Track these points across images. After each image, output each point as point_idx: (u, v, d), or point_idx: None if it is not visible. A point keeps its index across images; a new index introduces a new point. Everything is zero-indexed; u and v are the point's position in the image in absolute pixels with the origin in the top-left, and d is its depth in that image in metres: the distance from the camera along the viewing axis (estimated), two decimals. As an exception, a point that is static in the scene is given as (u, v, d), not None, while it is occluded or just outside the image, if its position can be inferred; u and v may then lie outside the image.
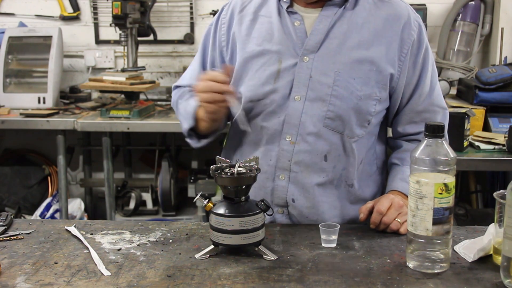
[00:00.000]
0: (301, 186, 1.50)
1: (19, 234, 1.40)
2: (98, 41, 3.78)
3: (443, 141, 1.17)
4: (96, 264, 1.22)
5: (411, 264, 1.20)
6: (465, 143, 2.56)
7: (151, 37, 3.46)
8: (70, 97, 3.53)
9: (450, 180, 1.15)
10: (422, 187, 1.15)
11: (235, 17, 1.58)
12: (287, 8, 1.52)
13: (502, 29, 3.37)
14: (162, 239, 1.37)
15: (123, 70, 3.33)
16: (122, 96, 3.40)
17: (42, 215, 3.45)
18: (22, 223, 1.48)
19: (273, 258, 1.24)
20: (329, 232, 1.32)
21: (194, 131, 1.57)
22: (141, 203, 3.58)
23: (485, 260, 1.23)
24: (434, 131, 1.16)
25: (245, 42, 1.54)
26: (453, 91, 3.17)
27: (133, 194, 3.54)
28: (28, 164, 3.83)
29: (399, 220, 1.38)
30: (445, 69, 3.51)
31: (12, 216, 1.49)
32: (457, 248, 1.29)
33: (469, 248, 1.27)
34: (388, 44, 1.48)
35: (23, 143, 3.87)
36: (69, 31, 3.70)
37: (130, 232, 1.42)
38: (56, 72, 3.37)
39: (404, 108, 1.55)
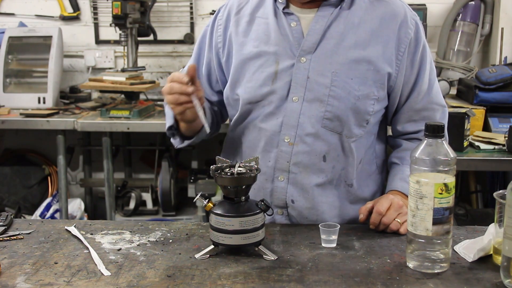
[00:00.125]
0: (300, 187, 1.50)
1: (19, 234, 1.40)
2: (98, 41, 3.78)
3: (443, 141, 1.17)
4: (96, 264, 1.22)
5: (411, 264, 1.20)
6: (465, 143, 2.56)
7: (151, 37, 3.46)
8: (70, 97, 3.53)
9: (450, 180, 1.15)
10: (422, 187, 1.15)
11: (232, 19, 1.57)
12: (283, 9, 1.51)
13: (502, 29, 3.37)
14: (162, 239, 1.37)
15: (123, 70, 3.33)
16: (122, 96, 3.40)
17: (42, 215, 3.45)
18: (22, 223, 1.48)
19: (273, 258, 1.24)
20: (329, 232, 1.32)
21: (178, 132, 1.56)
22: (141, 203, 3.58)
23: (485, 260, 1.23)
24: (434, 131, 1.16)
25: (241, 44, 1.54)
26: (453, 91, 3.17)
27: (133, 194, 3.54)
28: (28, 164, 3.83)
29: (398, 220, 1.38)
30: (445, 69, 3.51)
31: (12, 216, 1.49)
32: (457, 248, 1.29)
33: (469, 248, 1.27)
34: (385, 43, 1.48)
35: (23, 143, 3.87)
36: (69, 31, 3.70)
37: (130, 232, 1.42)
38: (56, 72, 3.37)
39: (403, 106, 1.55)
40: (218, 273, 1.18)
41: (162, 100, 3.57)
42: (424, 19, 3.43)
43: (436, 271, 1.18)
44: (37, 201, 3.69)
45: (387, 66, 1.48)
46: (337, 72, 1.46)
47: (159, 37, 3.57)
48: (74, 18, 3.74)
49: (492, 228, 1.26)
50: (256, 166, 1.30)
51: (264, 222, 1.28)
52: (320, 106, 1.47)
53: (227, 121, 1.69)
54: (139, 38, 3.42)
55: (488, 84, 2.83)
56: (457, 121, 2.48)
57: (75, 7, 3.71)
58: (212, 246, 1.27)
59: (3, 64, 3.40)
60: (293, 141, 1.48)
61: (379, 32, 1.48)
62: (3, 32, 3.46)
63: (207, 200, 1.30)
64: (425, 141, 1.17)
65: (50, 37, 3.40)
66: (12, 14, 3.76)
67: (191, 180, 3.43)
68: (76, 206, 3.56)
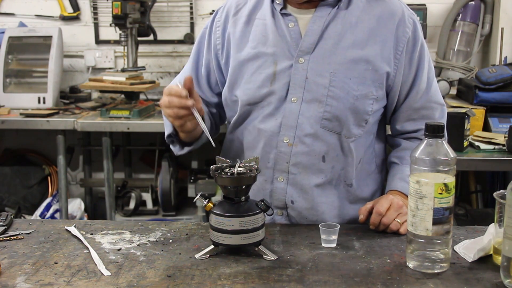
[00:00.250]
0: (300, 188, 1.50)
1: (19, 234, 1.40)
2: (98, 41, 3.78)
3: (443, 141, 1.17)
4: (96, 264, 1.22)
5: (411, 264, 1.20)
6: (465, 143, 2.56)
7: (151, 37, 3.46)
8: (70, 97, 3.53)
9: (450, 180, 1.15)
10: (422, 187, 1.15)
11: (230, 20, 1.57)
12: (281, 10, 1.51)
13: (502, 29, 3.37)
14: (162, 239, 1.37)
15: (123, 70, 3.33)
16: (122, 96, 3.40)
17: (42, 215, 3.45)
18: (22, 223, 1.48)
19: (273, 258, 1.24)
20: (329, 232, 1.32)
21: (177, 138, 1.55)
22: (141, 203, 3.58)
23: (485, 260, 1.23)
24: (434, 131, 1.16)
25: (239, 45, 1.54)
26: (453, 91, 3.17)
27: (133, 194, 3.54)
28: (28, 164, 3.83)
29: (398, 221, 1.38)
30: (445, 69, 3.51)
31: (12, 216, 1.49)
32: (457, 248, 1.29)
33: (469, 248, 1.27)
34: (383, 43, 1.47)
35: (23, 143, 3.87)
36: (69, 31, 3.70)
37: (130, 232, 1.42)
38: (56, 72, 3.37)
39: (402, 105, 1.55)
40: (218, 273, 1.18)
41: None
42: (424, 19, 3.43)
43: (436, 271, 1.18)
44: (37, 201, 3.69)
45: (385, 65, 1.48)
46: (335, 72, 1.46)
47: (159, 37, 3.56)
48: (74, 18, 3.74)
49: (492, 228, 1.26)
50: (256, 166, 1.30)
51: (264, 222, 1.28)
52: (319, 106, 1.47)
53: (226, 122, 1.69)
54: (139, 38, 3.42)
55: (488, 84, 2.83)
56: (457, 121, 2.48)
57: (75, 7, 3.71)
58: (212, 246, 1.27)
59: (3, 64, 3.40)
60: (292, 141, 1.48)
61: (377, 31, 1.48)
62: (3, 32, 3.46)
63: (207, 200, 1.30)
64: (425, 141, 1.17)
65: (50, 37, 3.40)
66: (12, 14, 3.76)
67: (191, 180, 3.43)
68: (76, 206, 3.56)
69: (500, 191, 1.18)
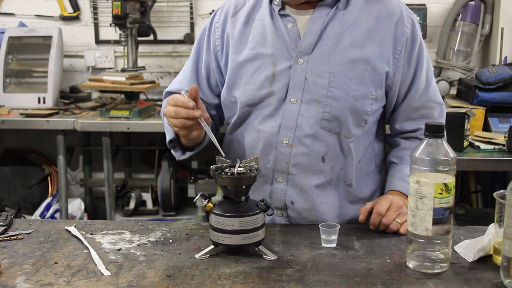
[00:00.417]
0: (300, 188, 1.50)
1: (19, 234, 1.40)
2: (98, 41, 3.78)
3: (443, 141, 1.17)
4: (96, 264, 1.22)
5: (411, 264, 1.20)
6: (465, 143, 2.56)
7: (151, 37, 3.46)
8: (70, 97, 3.54)
9: (450, 180, 1.15)
10: (422, 187, 1.15)
11: (229, 21, 1.57)
12: (279, 10, 1.51)
13: (502, 29, 3.37)
14: (162, 239, 1.37)
15: (123, 70, 3.33)
16: (122, 96, 3.40)
17: (42, 215, 3.45)
18: (22, 223, 1.48)
19: (273, 258, 1.24)
20: (329, 232, 1.32)
21: (178, 143, 1.53)
22: (141, 203, 3.58)
23: (485, 260, 1.23)
24: (434, 131, 1.16)
25: (238, 46, 1.53)
26: (453, 91, 3.17)
27: (133, 194, 3.54)
28: (28, 164, 3.83)
29: (398, 221, 1.38)
30: (445, 69, 3.51)
31: (12, 216, 1.50)
32: (457, 248, 1.29)
33: (469, 248, 1.27)
34: (382, 42, 1.47)
35: (23, 143, 3.87)
36: (69, 31, 3.70)
37: (130, 232, 1.42)
38: (56, 72, 3.37)
39: (401, 105, 1.55)
40: (218, 273, 1.18)
41: (162, 100, 3.57)
42: (424, 19, 3.43)
43: (436, 271, 1.18)
44: (37, 201, 3.69)
45: (384, 65, 1.48)
46: (334, 72, 1.46)
47: (159, 37, 3.57)
48: (74, 18, 3.74)
49: (492, 228, 1.26)
50: (256, 166, 1.30)
51: (264, 222, 1.28)
52: (318, 107, 1.47)
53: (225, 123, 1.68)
54: (139, 38, 3.42)
55: (488, 84, 2.83)
56: (457, 121, 2.48)
57: (75, 7, 3.71)
58: (212, 246, 1.27)
59: (3, 64, 3.40)
60: (292, 142, 1.48)
61: (376, 31, 1.48)
62: (3, 32, 3.46)
63: (207, 200, 1.30)
64: (425, 141, 1.17)
65: (50, 37, 3.40)
66: (12, 14, 3.76)
67: (191, 180, 3.43)
68: (76, 206, 3.56)
69: (500, 191, 1.18)
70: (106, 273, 1.18)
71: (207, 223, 1.33)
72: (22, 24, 3.67)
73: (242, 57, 1.52)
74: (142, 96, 3.44)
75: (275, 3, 1.51)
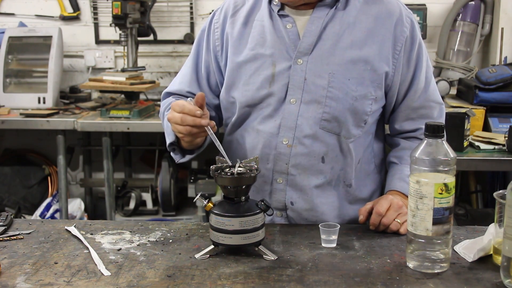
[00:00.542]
0: (300, 189, 1.50)
1: (19, 234, 1.40)
2: (98, 41, 3.78)
3: (443, 141, 1.17)
4: (96, 264, 1.22)
5: (411, 264, 1.20)
6: (465, 143, 2.56)
7: (151, 37, 3.46)
8: (70, 97, 3.54)
9: (450, 180, 1.15)
10: (422, 187, 1.15)
11: (228, 21, 1.56)
12: (278, 11, 1.51)
13: (502, 29, 3.37)
14: (162, 239, 1.37)
15: (123, 70, 3.33)
16: (122, 96, 3.40)
17: (42, 215, 3.45)
18: (22, 223, 1.48)
19: (273, 258, 1.24)
20: (329, 232, 1.32)
21: (178, 146, 1.52)
22: (141, 203, 3.58)
23: (485, 260, 1.23)
24: (434, 131, 1.16)
25: (237, 46, 1.53)
26: (453, 91, 3.18)
27: (133, 194, 3.54)
28: (28, 164, 3.83)
29: (398, 221, 1.38)
30: (445, 69, 3.51)
31: (12, 216, 1.50)
32: (457, 248, 1.29)
33: (469, 248, 1.27)
34: (381, 42, 1.47)
35: (23, 143, 3.87)
36: (69, 31, 3.70)
37: (130, 232, 1.42)
38: (56, 72, 3.37)
39: (400, 105, 1.55)
40: (218, 273, 1.18)
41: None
42: (424, 19, 3.43)
43: (436, 271, 1.18)
44: (37, 201, 3.69)
45: (384, 65, 1.47)
46: (334, 73, 1.45)
47: (159, 37, 3.57)
48: (74, 18, 3.74)
49: (492, 228, 1.26)
50: (256, 166, 1.30)
51: (264, 222, 1.28)
52: (317, 107, 1.46)
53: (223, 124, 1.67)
54: (139, 38, 3.42)
55: (488, 84, 2.83)
56: (457, 121, 2.48)
57: (75, 7, 3.71)
58: (212, 246, 1.27)
59: (3, 64, 3.40)
60: (291, 143, 1.48)
61: (375, 31, 1.47)
62: (3, 32, 3.46)
63: (207, 200, 1.30)
64: (425, 141, 1.17)
65: (50, 37, 3.40)
66: (12, 14, 3.76)
67: (191, 180, 3.43)
68: (76, 206, 3.56)
69: (500, 191, 1.18)
70: (106, 273, 1.18)
71: (207, 223, 1.33)
72: (22, 24, 3.67)
73: (241, 57, 1.52)
74: (142, 96, 3.44)
75: (274, 3, 1.51)
